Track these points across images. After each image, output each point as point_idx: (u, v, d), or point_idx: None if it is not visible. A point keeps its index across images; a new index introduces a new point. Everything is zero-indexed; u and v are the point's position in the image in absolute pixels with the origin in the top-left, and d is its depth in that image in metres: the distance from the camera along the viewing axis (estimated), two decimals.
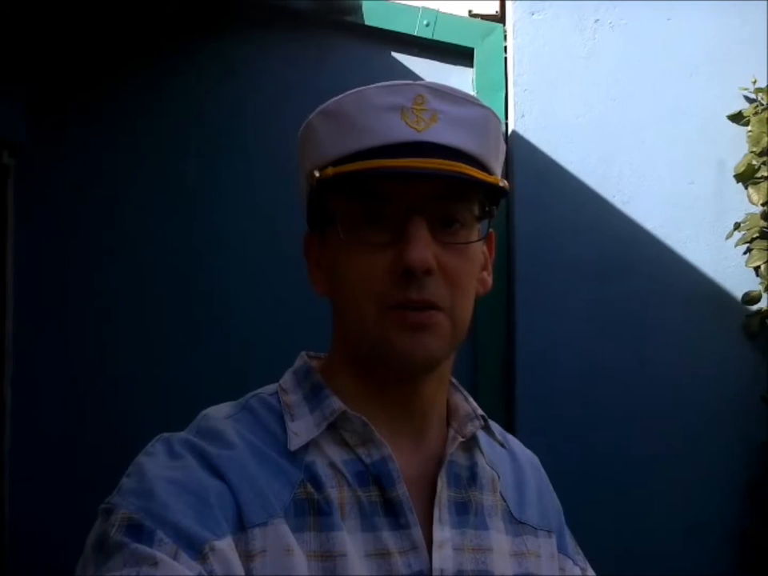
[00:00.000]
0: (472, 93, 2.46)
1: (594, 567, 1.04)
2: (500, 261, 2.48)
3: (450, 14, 2.58)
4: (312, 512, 0.80)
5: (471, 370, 2.48)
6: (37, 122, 2.49)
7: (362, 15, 2.54)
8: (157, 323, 2.49)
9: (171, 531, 0.71)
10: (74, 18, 2.45)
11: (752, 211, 2.48)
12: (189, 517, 0.73)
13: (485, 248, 0.92)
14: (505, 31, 2.58)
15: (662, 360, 2.50)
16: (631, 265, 2.51)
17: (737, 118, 2.52)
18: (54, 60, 2.50)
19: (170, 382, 2.44)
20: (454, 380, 0.96)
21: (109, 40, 2.51)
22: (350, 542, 0.79)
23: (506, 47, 2.57)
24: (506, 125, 2.55)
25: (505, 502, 0.94)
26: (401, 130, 0.80)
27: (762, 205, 2.44)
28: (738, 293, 2.50)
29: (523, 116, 2.52)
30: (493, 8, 2.63)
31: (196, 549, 0.71)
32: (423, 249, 0.79)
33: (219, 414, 0.87)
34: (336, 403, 0.85)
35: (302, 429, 0.84)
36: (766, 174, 2.45)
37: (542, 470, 1.05)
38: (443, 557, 0.83)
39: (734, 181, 2.51)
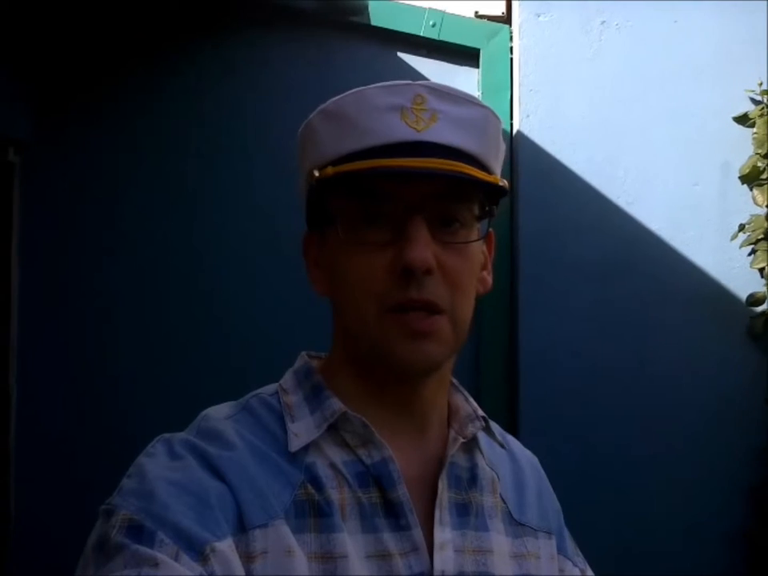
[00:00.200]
0: (477, 93, 2.48)
1: (595, 568, 1.03)
2: (503, 261, 2.48)
3: (457, 15, 2.58)
4: (312, 513, 0.80)
5: (474, 370, 2.48)
6: (41, 121, 2.49)
7: (368, 15, 2.54)
8: (158, 323, 2.49)
9: (172, 532, 0.71)
10: (76, 18, 2.46)
11: (757, 213, 2.47)
12: (189, 518, 0.73)
13: (484, 247, 0.92)
14: (511, 32, 2.58)
15: (665, 361, 2.50)
16: (635, 265, 2.50)
17: (742, 119, 2.51)
18: (58, 59, 2.50)
19: (171, 381, 2.44)
20: (454, 380, 0.96)
21: (111, 40, 2.52)
22: (351, 543, 0.79)
23: (511, 48, 2.57)
24: (512, 125, 2.55)
25: (504, 503, 0.93)
26: (400, 130, 0.80)
27: (767, 206, 2.44)
28: (742, 294, 2.50)
29: (528, 116, 2.52)
30: (499, 9, 2.63)
31: (197, 550, 0.71)
32: (423, 248, 0.79)
33: (219, 414, 0.87)
34: (336, 404, 0.85)
35: (302, 430, 0.84)
36: None
37: (542, 470, 1.05)
38: (444, 558, 0.82)
39: (738, 182, 2.51)
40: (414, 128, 0.80)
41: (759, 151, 2.46)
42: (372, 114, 0.81)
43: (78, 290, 2.49)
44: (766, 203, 2.44)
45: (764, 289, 2.47)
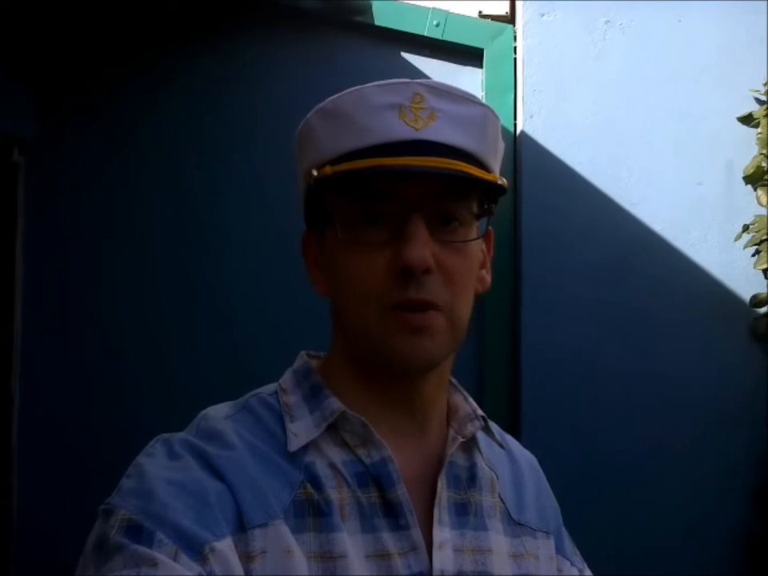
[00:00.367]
0: (481, 93, 2.48)
1: (594, 568, 1.04)
2: (506, 262, 2.48)
3: (460, 15, 2.58)
4: (312, 513, 0.80)
5: (477, 371, 2.48)
6: (45, 121, 2.50)
7: (372, 15, 2.54)
8: (161, 323, 2.49)
9: (171, 532, 0.71)
10: (78, 19, 2.47)
11: (761, 213, 2.47)
12: (188, 518, 0.73)
13: (483, 246, 0.92)
14: (515, 32, 2.58)
15: (668, 361, 2.49)
16: (639, 266, 2.50)
17: (746, 119, 2.51)
18: (61, 60, 2.51)
19: (174, 381, 2.45)
20: (453, 380, 0.96)
21: (113, 40, 2.52)
22: (350, 542, 0.79)
23: (515, 48, 2.57)
24: (515, 125, 2.55)
25: (503, 503, 0.93)
26: (399, 129, 0.80)
27: None
28: (746, 295, 2.50)
29: (532, 117, 2.51)
30: (503, 9, 2.63)
31: (196, 550, 0.71)
32: (422, 247, 0.79)
33: (219, 414, 0.87)
34: (335, 404, 0.85)
35: (301, 430, 0.84)
36: None
37: (541, 470, 1.05)
38: (443, 558, 0.83)
39: (742, 183, 2.50)
40: (413, 127, 0.80)
41: (763, 151, 2.46)
42: (370, 112, 0.81)
43: (82, 290, 2.49)
44: None
45: (767, 290, 2.47)
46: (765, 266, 2.42)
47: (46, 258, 2.49)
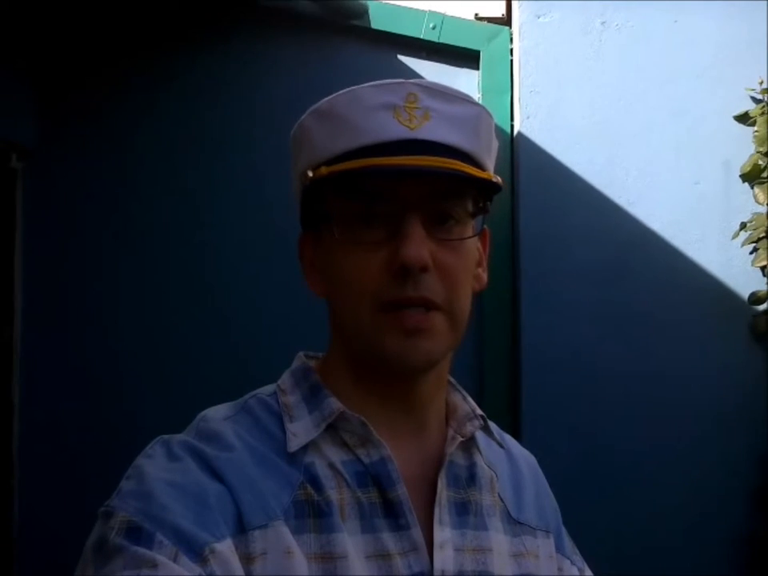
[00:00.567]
0: (478, 95, 2.48)
1: (595, 568, 1.03)
2: (505, 262, 2.48)
3: (457, 17, 2.59)
4: (312, 513, 0.80)
5: (477, 371, 2.48)
6: (44, 127, 2.50)
7: (369, 18, 2.55)
8: (161, 325, 2.50)
9: (171, 533, 0.71)
10: (76, 23, 2.47)
11: (758, 211, 2.47)
12: (188, 519, 0.73)
13: (479, 244, 0.92)
14: (511, 34, 2.58)
15: (667, 360, 2.49)
16: (637, 266, 2.50)
17: (743, 118, 2.51)
18: (60, 66, 2.51)
19: (174, 382, 2.45)
20: (452, 380, 0.95)
21: (112, 44, 2.53)
22: (351, 543, 0.79)
23: (512, 50, 2.57)
24: (512, 127, 2.55)
25: (503, 502, 0.93)
26: (393, 129, 0.80)
27: None
28: (745, 293, 2.50)
29: (529, 118, 2.52)
30: (499, 11, 2.63)
31: (196, 551, 0.71)
32: (419, 246, 0.80)
33: (218, 415, 0.87)
34: (334, 404, 0.85)
35: (300, 430, 0.84)
36: None
37: (540, 470, 1.05)
38: (444, 558, 0.82)
39: (740, 181, 2.51)
40: (407, 126, 0.81)
41: (760, 149, 2.46)
42: (365, 112, 0.81)
43: (81, 293, 2.50)
44: (767, 201, 2.44)
45: (766, 287, 2.47)
46: (763, 263, 2.43)
47: (44, 263, 2.50)
